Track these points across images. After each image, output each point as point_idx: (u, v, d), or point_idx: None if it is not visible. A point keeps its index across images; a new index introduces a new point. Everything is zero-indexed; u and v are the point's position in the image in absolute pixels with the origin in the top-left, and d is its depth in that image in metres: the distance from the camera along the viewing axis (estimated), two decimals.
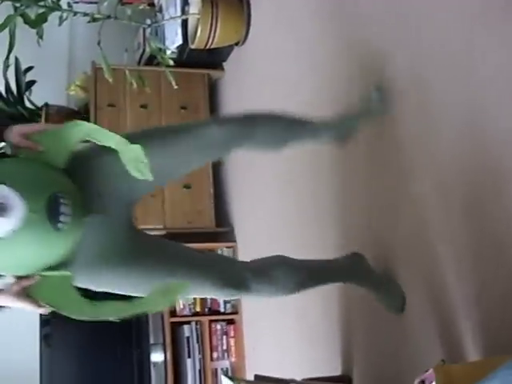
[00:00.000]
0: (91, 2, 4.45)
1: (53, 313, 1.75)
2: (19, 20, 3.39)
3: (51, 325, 3.82)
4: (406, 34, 2.28)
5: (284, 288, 2.15)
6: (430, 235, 2.14)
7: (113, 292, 1.86)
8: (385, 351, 2.43)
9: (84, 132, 1.81)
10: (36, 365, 3.79)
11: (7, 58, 3.48)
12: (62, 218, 1.64)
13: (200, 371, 3.97)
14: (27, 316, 3.81)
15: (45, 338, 3.81)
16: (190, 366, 3.97)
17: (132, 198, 1.94)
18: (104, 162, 1.85)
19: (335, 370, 2.75)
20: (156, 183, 1.92)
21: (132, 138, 1.84)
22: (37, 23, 3.45)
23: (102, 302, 1.75)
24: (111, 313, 1.76)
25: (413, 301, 2.24)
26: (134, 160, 1.81)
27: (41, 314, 3.74)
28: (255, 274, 2.07)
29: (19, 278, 1.72)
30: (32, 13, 3.45)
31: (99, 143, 1.82)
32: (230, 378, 2.33)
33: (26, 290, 1.71)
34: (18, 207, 1.57)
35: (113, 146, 1.81)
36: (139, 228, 2.00)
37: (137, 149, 1.80)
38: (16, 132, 1.77)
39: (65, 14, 3.58)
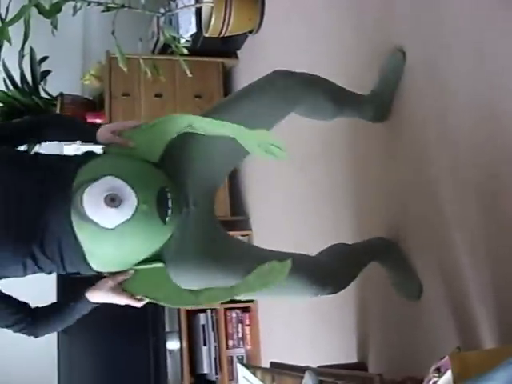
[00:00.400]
0: None
1: None
2: (34, 10, 3.40)
3: None
4: (422, 22, 2.26)
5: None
6: (446, 221, 2.13)
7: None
8: (400, 338, 2.43)
9: (183, 126, 1.78)
10: (54, 351, 3.82)
11: (22, 48, 3.50)
12: (169, 212, 1.65)
13: (215, 359, 4.00)
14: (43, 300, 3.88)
15: None
16: (206, 354, 3.99)
17: (215, 183, 1.92)
18: (183, 151, 1.81)
19: (350, 358, 2.75)
20: (237, 158, 1.95)
21: (210, 114, 1.82)
22: (51, 13, 3.45)
23: (199, 290, 1.75)
24: (210, 299, 1.78)
25: (428, 288, 2.24)
26: (261, 144, 1.79)
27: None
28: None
29: (113, 273, 1.75)
30: (46, 3, 3.46)
31: (206, 133, 1.78)
32: (246, 366, 2.35)
33: (121, 285, 1.74)
34: (131, 199, 1.57)
35: (229, 134, 1.77)
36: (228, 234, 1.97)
37: (260, 133, 1.77)
38: (106, 129, 1.79)
39: (79, 4, 3.58)
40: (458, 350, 1.69)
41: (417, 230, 2.31)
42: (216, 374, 3.99)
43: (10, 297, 1.78)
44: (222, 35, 3.92)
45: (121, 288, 1.74)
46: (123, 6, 3.61)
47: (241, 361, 3.99)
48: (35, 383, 4.08)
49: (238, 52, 4.35)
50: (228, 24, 3.81)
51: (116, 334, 3.92)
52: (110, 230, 1.57)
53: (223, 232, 1.92)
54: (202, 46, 4.17)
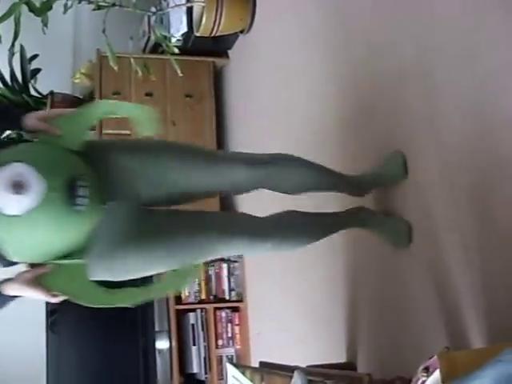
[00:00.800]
0: None
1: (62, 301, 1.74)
2: (24, 8, 3.39)
3: (57, 311, 3.84)
4: (412, 21, 2.27)
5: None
6: (437, 222, 2.14)
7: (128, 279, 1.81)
8: (389, 338, 2.44)
9: (103, 109, 1.92)
10: (42, 351, 3.81)
11: (12, 45, 3.48)
12: (80, 201, 1.63)
13: (205, 358, 3.99)
14: (33, 301, 3.86)
15: (51, 325, 3.83)
16: (195, 354, 3.99)
17: (143, 192, 1.90)
18: (121, 156, 1.85)
19: (340, 357, 2.76)
20: (161, 190, 1.92)
21: (163, 147, 1.91)
22: (42, 11, 3.44)
23: (117, 290, 1.74)
24: (127, 299, 1.75)
25: (418, 288, 2.24)
26: (148, 118, 1.88)
27: (47, 303, 3.76)
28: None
29: (32, 265, 1.71)
30: (37, 0, 3.45)
31: (119, 116, 1.90)
32: (235, 366, 2.35)
33: (39, 279, 1.69)
34: (37, 185, 1.56)
35: (130, 114, 1.89)
36: (153, 209, 1.95)
37: (148, 110, 1.90)
38: (33, 116, 1.78)
39: (69, 2, 3.57)
40: (447, 349, 1.70)
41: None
42: (205, 373, 3.98)
43: None
44: (213, 35, 3.92)
45: (38, 282, 1.69)
46: (114, 5, 3.60)
47: (230, 360, 3.99)
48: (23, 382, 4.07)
49: (229, 51, 4.35)
50: (219, 23, 3.81)
51: (105, 334, 3.91)
52: (18, 217, 1.55)
53: (158, 215, 1.90)
54: (193, 46, 4.17)
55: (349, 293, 2.74)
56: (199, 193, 2.01)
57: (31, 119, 1.77)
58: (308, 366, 2.32)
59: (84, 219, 1.67)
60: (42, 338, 3.83)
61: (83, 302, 1.73)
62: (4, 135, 3.18)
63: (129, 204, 1.82)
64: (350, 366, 2.64)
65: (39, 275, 1.69)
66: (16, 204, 1.55)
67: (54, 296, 1.72)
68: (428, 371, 1.41)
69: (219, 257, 2.01)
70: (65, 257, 1.70)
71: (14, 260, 1.69)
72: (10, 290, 1.70)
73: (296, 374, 1.83)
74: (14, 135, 3.18)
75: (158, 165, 1.88)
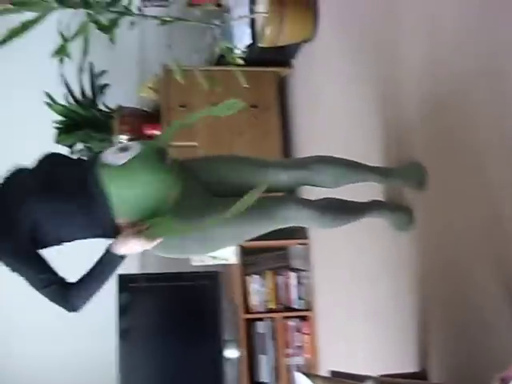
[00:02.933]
0: (160, 6, 4.53)
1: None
2: (92, 26, 3.49)
3: (128, 319, 3.92)
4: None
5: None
6: (506, 226, 2.10)
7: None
8: (462, 347, 2.39)
9: (177, 126, 2.40)
10: (112, 358, 3.90)
11: (82, 63, 3.58)
12: (167, 159, 2.18)
13: (274, 367, 4.01)
14: (104, 311, 3.95)
15: (122, 332, 3.90)
16: (264, 363, 4.01)
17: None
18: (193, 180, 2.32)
19: (410, 367, 2.73)
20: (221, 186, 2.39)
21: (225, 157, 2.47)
22: (109, 28, 3.54)
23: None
24: (209, 224, 2.14)
25: (490, 296, 2.20)
26: (228, 108, 2.39)
27: (118, 312, 3.85)
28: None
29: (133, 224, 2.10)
30: (104, 19, 3.55)
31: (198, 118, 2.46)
32: (306, 375, 2.34)
33: (140, 233, 2.06)
34: (136, 147, 2.14)
35: (214, 113, 2.43)
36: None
37: (228, 102, 2.40)
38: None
39: (135, 19, 3.66)
40: None
41: (474, 236, 2.28)
42: (274, 382, 4.00)
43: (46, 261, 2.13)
44: (276, 45, 3.94)
45: (139, 235, 2.05)
46: (178, 19, 3.67)
47: (299, 369, 3.99)
48: None
49: (293, 61, 4.37)
50: (282, 34, 3.83)
51: (174, 343, 3.96)
52: (123, 166, 2.08)
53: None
54: (257, 56, 4.19)
55: (419, 302, 2.71)
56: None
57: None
58: (380, 376, 2.30)
59: (172, 176, 2.17)
60: (112, 346, 3.91)
61: (176, 232, 2.17)
62: None
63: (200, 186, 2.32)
64: (421, 375, 2.61)
65: (138, 231, 2.06)
66: (120, 158, 2.10)
67: (153, 241, 2.09)
68: (504, 382, 1.38)
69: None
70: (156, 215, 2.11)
71: (119, 221, 2.11)
72: (118, 247, 2.06)
73: None
74: None
75: (221, 168, 2.41)
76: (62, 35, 3.40)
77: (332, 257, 3.74)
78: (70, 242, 2.21)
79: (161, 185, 2.14)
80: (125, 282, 3.91)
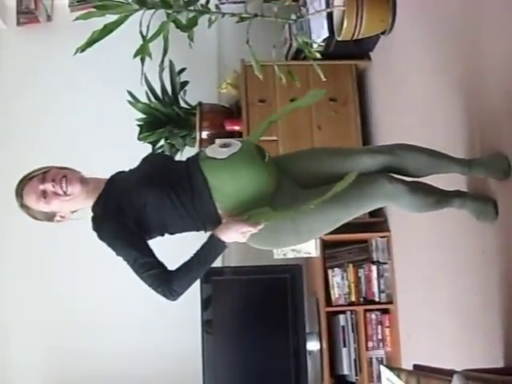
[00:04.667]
0: (237, 2, 4.58)
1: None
2: (171, 25, 3.56)
3: (212, 312, 4.00)
4: None
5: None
6: None
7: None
8: None
9: (270, 121, 2.68)
10: (197, 350, 3.99)
11: (162, 61, 3.66)
12: (266, 156, 2.36)
13: (355, 360, 4.01)
14: (189, 303, 4.04)
15: (206, 324, 3.98)
16: (346, 355, 4.02)
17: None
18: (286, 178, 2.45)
19: (496, 362, 2.69)
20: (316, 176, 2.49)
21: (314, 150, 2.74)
22: (188, 27, 3.61)
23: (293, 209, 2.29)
24: (301, 211, 2.27)
25: None
26: (312, 98, 2.81)
27: (202, 304, 3.94)
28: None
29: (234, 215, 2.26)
30: (183, 18, 3.62)
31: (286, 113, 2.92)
32: (390, 368, 2.35)
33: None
34: (237, 144, 2.34)
35: (299, 105, 2.78)
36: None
37: (311, 94, 2.82)
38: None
39: (213, 16, 3.72)
40: None
41: None
42: (356, 375, 4.00)
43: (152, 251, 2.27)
44: (354, 38, 3.92)
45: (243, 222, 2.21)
46: (256, 15, 3.71)
47: (381, 362, 3.98)
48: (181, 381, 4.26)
49: (371, 53, 4.34)
50: (360, 26, 3.81)
51: (257, 336, 4.02)
52: (224, 159, 2.27)
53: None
54: (335, 50, 4.19)
55: (503, 295, 2.67)
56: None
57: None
58: (465, 370, 2.28)
59: (271, 172, 2.34)
60: (197, 339, 3.99)
61: (278, 216, 2.28)
62: None
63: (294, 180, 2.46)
64: (508, 371, 2.56)
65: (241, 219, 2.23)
66: (223, 153, 2.29)
67: (258, 224, 2.22)
68: None
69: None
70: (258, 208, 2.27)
71: (219, 211, 2.30)
72: (222, 233, 2.21)
73: (455, 378, 1.82)
74: None
75: (312, 161, 2.53)
76: (143, 35, 3.49)
77: (413, 250, 3.70)
78: (172, 233, 2.39)
79: (260, 179, 2.30)
80: (208, 275, 3.98)
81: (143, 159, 2.51)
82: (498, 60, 2.66)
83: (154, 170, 2.36)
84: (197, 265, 2.22)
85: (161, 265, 2.23)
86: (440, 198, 2.64)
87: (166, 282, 2.18)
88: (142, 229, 2.27)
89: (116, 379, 4.35)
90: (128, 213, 2.25)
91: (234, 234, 2.21)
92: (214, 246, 2.22)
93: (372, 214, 4.15)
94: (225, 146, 2.32)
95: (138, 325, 4.46)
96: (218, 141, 2.49)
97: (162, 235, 2.37)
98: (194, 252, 2.23)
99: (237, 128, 4.33)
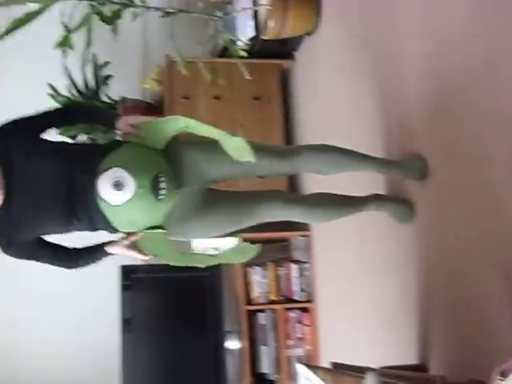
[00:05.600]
0: None
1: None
2: (95, 18, 3.48)
3: (131, 310, 3.93)
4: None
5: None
6: (509, 223, 2.11)
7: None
8: (463, 340, 2.41)
9: (181, 126, 2.33)
10: (115, 348, 3.91)
11: (85, 54, 3.58)
12: (161, 192, 2.21)
13: (275, 359, 4.02)
14: (107, 301, 3.97)
15: (125, 323, 3.92)
16: (266, 354, 4.02)
17: (207, 181, 2.46)
18: (191, 154, 2.38)
19: (411, 359, 2.74)
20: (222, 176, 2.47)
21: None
22: (112, 20, 3.53)
23: (190, 254, 2.54)
24: (197, 262, 2.42)
25: (493, 289, 2.22)
26: (238, 149, 2.31)
27: (121, 302, 3.88)
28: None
29: (129, 234, 2.31)
30: (107, 10, 3.54)
31: (198, 134, 2.34)
32: (307, 366, 2.36)
33: (134, 244, 2.31)
34: (131, 184, 2.15)
35: (215, 137, 2.32)
36: (216, 189, 2.52)
37: (239, 140, 2.30)
38: (125, 120, 2.32)
39: (138, 10, 3.65)
40: None
41: (480, 233, 2.29)
42: (275, 373, 4.01)
43: (51, 244, 2.41)
44: (279, 37, 3.93)
45: (133, 246, 2.32)
46: (181, 11, 3.66)
47: (300, 361, 4.01)
48: (97, 380, 4.18)
49: (296, 54, 4.36)
50: (285, 26, 3.83)
51: (176, 334, 3.98)
52: (119, 206, 2.17)
53: (217, 195, 2.48)
54: (260, 49, 4.19)
55: (421, 295, 2.73)
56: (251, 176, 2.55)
57: (123, 123, 2.31)
58: (380, 368, 2.31)
59: (165, 203, 2.26)
60: (116, 337, 3.92)
61: (165, 260, 2.36)
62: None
63: (198, 186, 2.40)
64: (422, 367, 2.62)
65: (135, 241, 2.31)
66: (117, 198, 2.16)
67: (145, 255, 2.33)
68: (504, 375, 1.39)
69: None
70: (152, 228, 2.31)
71: (120, 230, 2.31)
72: (112, 249, 2.35)
73: (369, 376, 1.84)
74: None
75: (216, 156, 2.38)
76: (65, 26, 3.40)
77: (334, 249, 3.75)
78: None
79: (156, 214, 2.28)
80: (127, 272, 3.93)
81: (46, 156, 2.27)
82: (417, 62, 2.72)
83: (55, 190, 2.22)
84: (86, 257, 2.42)
85: (63, 254, 2.43)
86: (350, 205, 2.72)
87: (66, 263, 2.43)
88: (39, 235, 2.36)
89: (34, 379, 4.26)
90: (24, 232, 2.28)
91: (122, 254, 2.38)
92: (100, 253, 2.39)
93: None
94: (117, 186, 2.15)
95: (56, 322, 4.36)
96: (108, 175, 2.17)
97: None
98: (89, 246, 2.43)
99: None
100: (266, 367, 4.02)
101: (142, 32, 4.83)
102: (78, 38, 3.44)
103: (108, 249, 2.36)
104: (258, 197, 2.51)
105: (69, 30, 3.38)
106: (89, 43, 3.48)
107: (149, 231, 2.32)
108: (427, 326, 2.69)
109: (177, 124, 2.33)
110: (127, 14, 3.59)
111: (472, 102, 2.32)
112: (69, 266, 2.43)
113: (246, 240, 3.97)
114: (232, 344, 4.06)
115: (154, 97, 4.57)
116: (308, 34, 4.01)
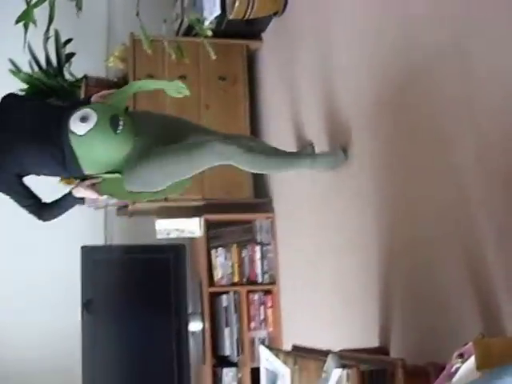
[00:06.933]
0: None
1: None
2: None
3: (92, 291, 3.90)
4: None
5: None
6: (471, 209, 2.12)
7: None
8: (423, 324, 2.43)
9: (136, 87, 3.14)
10: (76, 330, 3.89)
11: (47, 30, 3.50)
12: (119, 128, 2.62)
13: (237, 340, 4.02)
14: (68, 282, 3.92)
15: (86, 304, 3.89)
16: (228, 336, 4.02)
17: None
18: (147, 122, 2.86)
19: (372, 342, 2.76)
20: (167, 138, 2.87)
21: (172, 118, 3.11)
22: None
23: (140, 193, 2.83)
24: (146, 198, 2.94)
25: (452, 274, 2.23)
26: (175, 89, 2.92)
27: (82, 283, 3.84)
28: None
29: (89, 177, 2.78)
30: None
31: (150, 89, 3.13)
32: (269, 348, 2.36)
33: (95, 185, 2.79)
34: (94, 118, 2.61)
35: (160, 87, 3.03)
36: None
37: (176, 83, 2.93)
38: (97, 96, 2.89)
39: None
40: (482, 336, 1.69)
41: (441, 216, 2.30)
42: (238, 355, 4.01)
43: (28, 188, 2.83)
44: (246, 17, 3.89)
45: (94, 187, 2.79)
46: None
47: (262, 342, 4.01)
48: (58, 361, 4.14)
49: (263, 34, 4.33)
50: (252, 6, 3.79)
51: (138, 316, 3.97)
52: (83, 136, 2.59)
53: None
54: (227, 28, 4.15)
55: (382, 277, 2.74)
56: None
57: (96, 97, 2.88)
58: (341, 350, 2.32)
59: (123, 144, 2.66)
60: (77, 318, 3.89)
61: (119, 198, 3.16)
62: None
63: (149, 138, 2.78)
64: (382, 350, 2.64)
65: (94, 183, 2.78)
66: (82, 128, 2.59)
67: (101, 195, 2.83)
68: (462, 358, 1.40)
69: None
70: (110, 172, 2.73)
71: (85, 173, 2.75)
72: (77, 192, 2.81)
73: (330, 358, 1.84)
74: None
75: (167, 127, 2.92)
76: (27, 0, 3.32)
77: (297, 231, 3.74)
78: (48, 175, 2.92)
79: (114, 149, 2.67)
80: (89, 253, 3.89)
81: (16, 106, 2.85)
82: (384, 47, 2.71)
83: (29, 126, 2.73)
84: (57, 209, 2.88)
85: (37, 201, 2.85)
86: (287, 157, 3.09)
87: (38, 213, 2.86)
88: (21, 174, 2.78)
89: None
90: (6, 169, 2.72)
91: (85, 195, 2.83)
92: (69, 199, 2.86)
93: (257, 195, 4.18)
94: (83, 119, 2.60)
95: (16, 304, 4.29)
96: (78, 113, 2.64)
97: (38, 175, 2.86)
98: (58, 199, 2.88)
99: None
100: (228, 349, 4.01)
101: (106, 9, 4.76)
102: (41, 14, 3.37)
103: (74, 191, 2.81)
104: (201, 139, 2.89)
105: (29, 4, 3.30)
106: (51, 18, 3.40)
107: (107, 175, 2.74)
108: (388, 308, 2.70)
109: (132, 87, 3.11)
110: None
111: (434, 87, 2.32)
112: (38, 213, 2.85)
113: (208, 221, 4.01)
114: (195, 326, 4.05)
115: (118, 75, 4.51)
116: (275, 14, 3.98)
